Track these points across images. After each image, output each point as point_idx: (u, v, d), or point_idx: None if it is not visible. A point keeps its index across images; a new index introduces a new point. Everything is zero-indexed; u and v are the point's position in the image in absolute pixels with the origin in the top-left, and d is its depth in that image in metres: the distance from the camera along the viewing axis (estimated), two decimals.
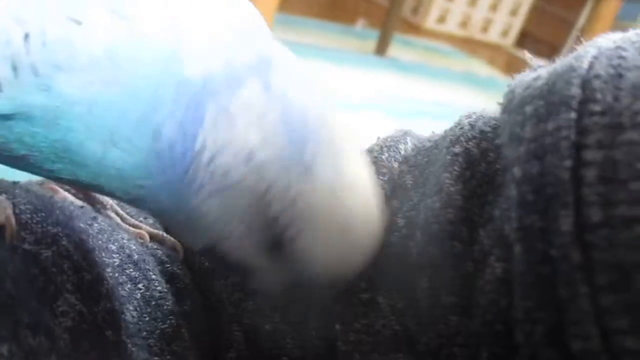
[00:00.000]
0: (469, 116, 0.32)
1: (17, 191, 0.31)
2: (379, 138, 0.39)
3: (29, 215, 0.27)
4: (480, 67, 2.70)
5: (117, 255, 0.31)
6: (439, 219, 0.27)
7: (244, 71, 0.23)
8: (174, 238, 0.37)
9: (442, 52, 2.74)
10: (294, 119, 0.23)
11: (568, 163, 0.21)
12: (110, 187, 0.25)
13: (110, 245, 0.31)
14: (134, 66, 0.23)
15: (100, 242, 0.30)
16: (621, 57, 0.23)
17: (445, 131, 0.33)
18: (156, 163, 0.23)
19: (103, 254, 0.30)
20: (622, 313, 0.20)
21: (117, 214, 0.36)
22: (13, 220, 0.26)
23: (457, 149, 0.29)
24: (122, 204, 0.38)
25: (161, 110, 0.22)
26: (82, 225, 0.31)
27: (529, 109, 0.24)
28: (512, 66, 2.41)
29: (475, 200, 0.27)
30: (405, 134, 0.36)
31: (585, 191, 0.21)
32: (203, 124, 0.22)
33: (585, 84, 0.23)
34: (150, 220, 0.40)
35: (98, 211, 0.35)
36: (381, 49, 2.33)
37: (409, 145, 0.34)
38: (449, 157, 0.29)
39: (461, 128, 0.31)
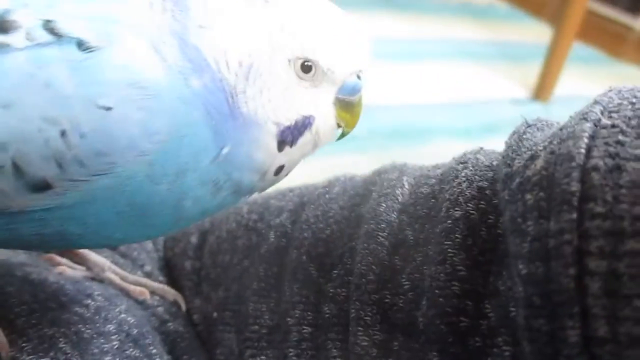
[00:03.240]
0: (464, 163, 0.31)
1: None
2: (373, 172, 0.38)
3: (24, 319, 0.27)
4: None
5: (116, 336, 0.31)
6: (445, 292, 0.27)
7: None
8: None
9: None
10: None
11: (572, 271, 0.21)
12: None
13: (109, 327, 0.31)
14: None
15: (97, 325, 0.30)
16: (619, 143, 0.22)
17: (443, 174, 0.31)
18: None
19: (102, 340, 0.30)
20: None
21: (116, 273, 0.36)
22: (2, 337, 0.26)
23: (457, 212, 0.28)
24: (118, 262, 0.37)
25: None
26: (78, 309, 0.30)
27: (529, 198, 0.23)
28: None
29: (479, 270, 0.27)
30: (401, 173, 0.34)
31: (590, 302, 0.21)
32: None
33: (585, 177, 0.22)
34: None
35: (97, 275, 0.35)
36: None
37: (406, 188, 0.33)
38: (449, 222, 0.28)
39: (459, 184, 0.29)
